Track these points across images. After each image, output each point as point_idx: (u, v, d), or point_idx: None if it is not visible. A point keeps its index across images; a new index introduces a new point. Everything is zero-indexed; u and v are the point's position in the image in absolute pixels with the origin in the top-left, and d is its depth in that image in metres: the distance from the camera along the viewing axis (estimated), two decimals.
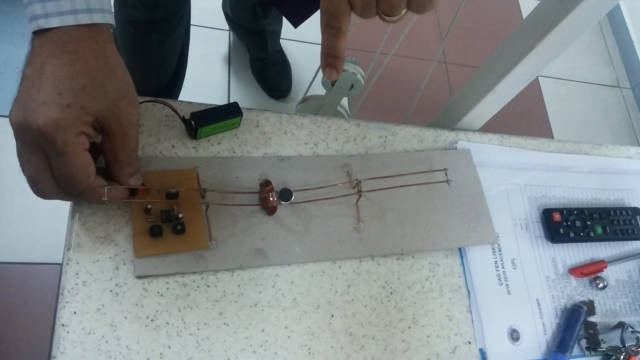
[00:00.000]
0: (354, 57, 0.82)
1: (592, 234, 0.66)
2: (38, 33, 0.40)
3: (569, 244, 0.66)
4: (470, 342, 0.56)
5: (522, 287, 0.61)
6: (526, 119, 1.99)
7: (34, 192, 0.42)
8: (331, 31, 0.39)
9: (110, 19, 0.42)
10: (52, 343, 0.44)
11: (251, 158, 0.56)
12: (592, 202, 0.70)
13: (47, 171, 0.41)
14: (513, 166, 0.68)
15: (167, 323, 0.47)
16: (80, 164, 0.41)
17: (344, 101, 0.85)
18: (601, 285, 0.64)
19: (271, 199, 0.52)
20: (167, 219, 0.49)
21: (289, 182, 0.55)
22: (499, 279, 0.60)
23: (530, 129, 1.98)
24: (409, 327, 0.55)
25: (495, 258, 0.61)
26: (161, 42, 1.10)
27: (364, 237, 0.56)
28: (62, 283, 0.46)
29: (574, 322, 0.60)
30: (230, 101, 0.56)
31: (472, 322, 0.57)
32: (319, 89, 0.88)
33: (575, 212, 0.66)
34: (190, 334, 0.47)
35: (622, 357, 0.59)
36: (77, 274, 0.46)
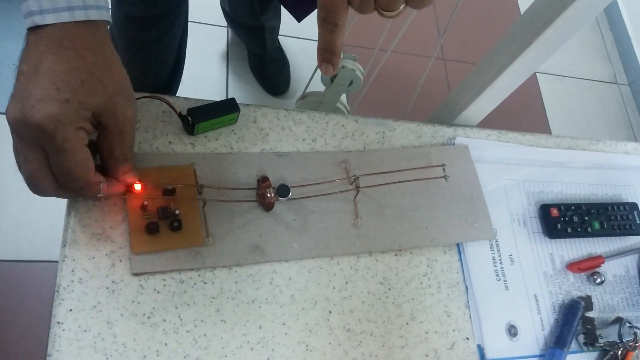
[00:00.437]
0: (353, 54, 0.82)
1: (589, 230, 0.66)
2: (34, 29, 0.39)
3: (567, 240, 0.66)
4: (468, 338, 0.56)
5: (520, 282, 0.61)
6: (524, 115, 1.99)
7: (31, 189, 0.42)
8: (328, 26, 0.39)
9: (106, 15, 0.42)
10: (48, 341, 0.44)
11: (248, 154, 0.56)
12: (589, 198, 0.70)
13: (45, 168, 0.41)
14: (511, 162, 0.68)
15: (163, 320, 0.47)
16: (80, 159, 0.40)
17: (343, 97, 0.85)
18: (599, 280, 0.64)
19: (268, 195, 0.52)
20: (164, 216, 0.49)
21: (286, 178, 0.55)
22: (497, 275, 0.60)
23: (528, 125, 1.98)
24: (407, 323, 0.55)
25: (493, 254, 0.61)
26: (159, 38, 1.10)
27: (361, 233, 0.56)
28: (58, 280, 0.46)
29: (572, 318, 0.60)
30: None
31: (470, 318, 0.57)
32: (318, 86, 0.87)
33: (572, 207, 0.66)
34: (187, 331, 0.47)
35: (619, 352, 0.59)
36: (72, 271, 0.46)
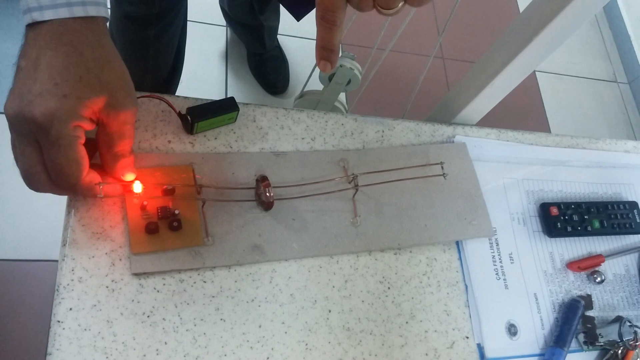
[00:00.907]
0: (351, 53, 0.82)
1: (589, 228, 0.66)
2: (32, 25, 0.39)
3: (567, 238, 0.66)
4: (468, 337, 0.56)
5: (520, 281, 0.61)
6: (523, 114, 1.99)
7: (27, 185, 0.42)
8: (326, 24, 0.39)
9: (104, 12, 0.42)
10: (48, 340, 0.44)
11: (247, 154, 0.56)
12: (589, 196, 0.70)
13: (40, 163, 0.41)
14: (510, 160, 0.68)
15: (163, 319, 0.47)
16: (73, 156, 0.40)
17: (342, 96, 0.85)
18: (599, 279, 0.64)
19: (268, 194, 0.52)
20: (163, 216, 0.49)
21: (285, 178, 0.55)
22: (497, 274, 0.60)
23: (527, 124, 1.98)
24: (407, 322, 0.55)
25: (493, 252, 0.61)
26: (158, 37, 1.10)
27: (361, 231, 0.56)
28: (58, 279, 0.46)
29: (572, 317, 0.60)
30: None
31: (470, 316, 0.57)
32: (316, 85, 0.87)
33: (572, 206, 0.66)
34: (187, 330, 0.47)
35: (619, 351, 0.59)
36: (72, 270, 0.46)
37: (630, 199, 0.71)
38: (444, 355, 0.54)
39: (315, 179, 0.56)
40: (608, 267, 0.66)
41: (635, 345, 0.59)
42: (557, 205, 0.65)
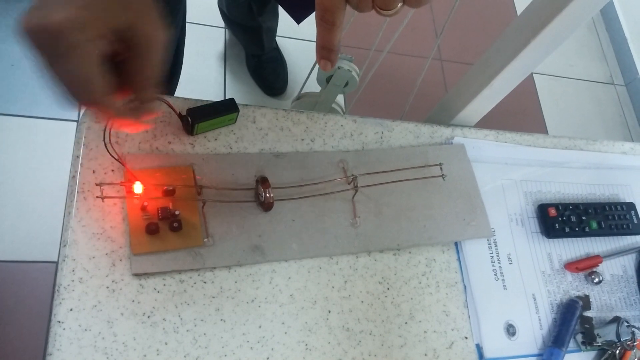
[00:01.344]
0: (349, 55, 0.82)
1: (587, 229, 0.66)
2: None
3: (565, 239, 0.66)
4: (466, 337, 0.56)
5: (518, 282, 0.61)
6: (521, 115, 2.00)
7: (77, 97, 0.38)
8: (326, 25, 0.39)
9: None
10: (48, 340, 0.44)
11: (247, 154, 0.56)
12: (587, 198, 0.70)
13: (95, 65, 0.37)
14: (508, 162, 0.68)
15: (163, 319, 0.47)
16: (89, 67, 0.37)
17: (340, 98, 0.85)
18: (597, 280, 0.64)
19: (267, 195, 0.52)
20: (163, 216, 0.49)
21: (285, 179, 0.55)
22: (495, 274, 0.61)
23: (525, 126, 1.99)
24: (406, 323, 0.55)
25: (492, 253, 0.61)
26: None
27: (360, 232, 0.56)
28: (58, 280, 0.46)
29: (570, 317, 0.60)
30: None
31: (469, 317, 0.57)
32: (314, 87, 0.87)
33: (570, 207, 0.66)
34: (187, 330, 0.47)
35: (617, 351, 0.59)
36: (73, 271, 0.46)
37: (627, 200, 0.72)
38: (443, 356, 0.55)
39: (315, 180, 0.56)
40: (606, 268, 0.67)
41: (633, 345, 0.59)
42: (555, 206, 0.65)
